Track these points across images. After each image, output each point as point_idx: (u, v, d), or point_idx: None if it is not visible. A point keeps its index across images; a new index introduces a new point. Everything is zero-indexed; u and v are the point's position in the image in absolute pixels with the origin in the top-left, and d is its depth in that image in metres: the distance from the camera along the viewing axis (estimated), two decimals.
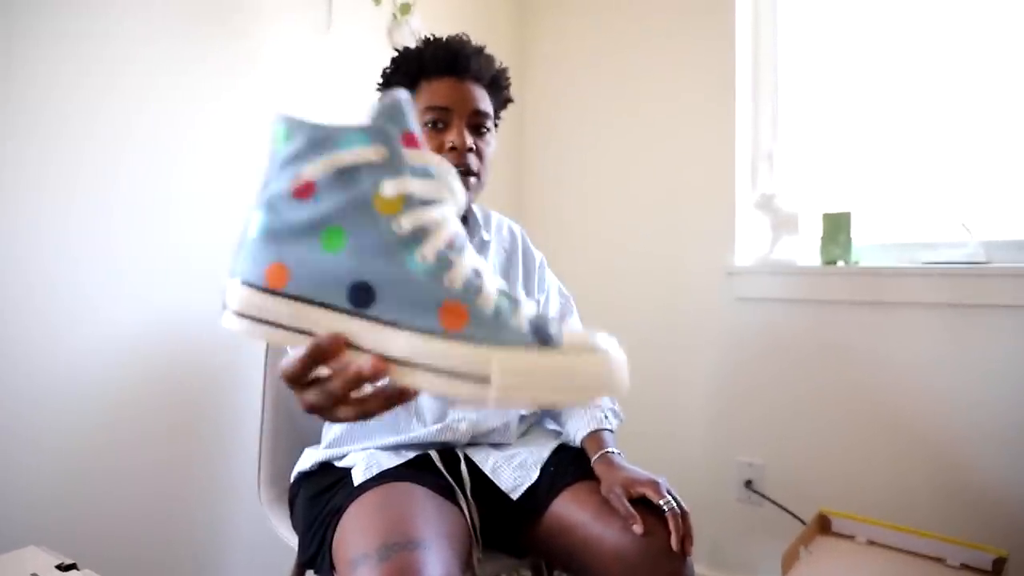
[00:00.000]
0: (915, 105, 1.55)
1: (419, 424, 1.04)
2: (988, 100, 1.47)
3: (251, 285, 0.46)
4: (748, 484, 1.66)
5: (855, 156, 1.63)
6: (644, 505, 0.91)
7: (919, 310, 1.45)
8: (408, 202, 0.45)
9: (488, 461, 1.03)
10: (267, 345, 1.22)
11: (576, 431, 1.08)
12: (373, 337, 0.44)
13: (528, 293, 1.20)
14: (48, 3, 1.12)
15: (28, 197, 1.12)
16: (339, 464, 1.01)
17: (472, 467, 1.02)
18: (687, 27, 1.76)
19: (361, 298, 0.44)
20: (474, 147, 1.02)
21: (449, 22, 1.79)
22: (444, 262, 0.45)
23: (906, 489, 1.46)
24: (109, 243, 1.21)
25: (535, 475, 1.01)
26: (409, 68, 1.04)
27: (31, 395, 1.12)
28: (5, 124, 1.09)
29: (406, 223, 0.44)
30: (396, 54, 1.07)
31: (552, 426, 1.18)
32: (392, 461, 0.96)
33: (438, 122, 1.02)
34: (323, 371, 0.47)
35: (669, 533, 0.87)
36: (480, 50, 1.06)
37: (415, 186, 0.45)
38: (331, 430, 1.07)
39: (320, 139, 0.45)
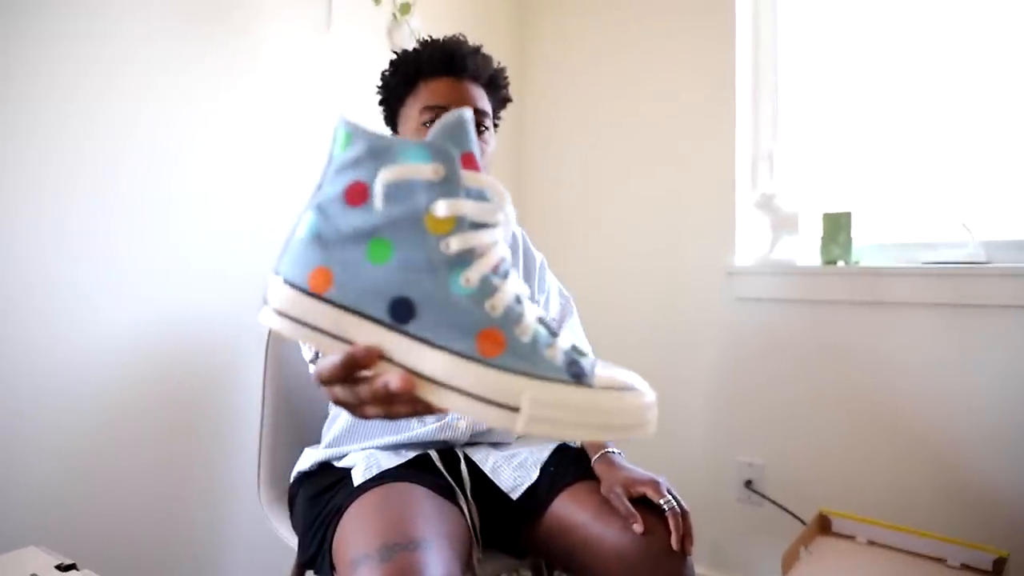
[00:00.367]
0: (915, 105, 1.55)
1: (418, 422, 1.04)
2: (988, 100, 1.47)
3: (294, 286, 0.46)
4: (748, 484, 1.66)
5: (855, 156, 1.63)
6: (644, 504, 0.91)
7: (919, 310, 1.45)
8: (459, 224, 0.45)
9: (488, 461, 1.03)
10: (267, 345, 1.22)
11: None
12: (407, 353, 0.44)
13: (529, 294, 1.20)
14: (48, 3, 1.12)
15: (28, 197, 1.12)
16: (339, 464, 1.01)
17: (472, 467, 1.02)
18: (687, 27, 1.76)
19: (401, 313, 0.44)
20: None
21: (449, 22, 1.79)
22: (488, 287, 0.45)
23: (906, 489, 1.46)
24: (109, 243, 1.21)
25: (535, 475, 1.01)
26: (407, 69, 1.04)
27: (31, 395, 1.12)
28: (5, 124, 1.09)
29: (455, 244, 0.45)
30: (395, 56, 1.08)
31: None
32: (392, 461, 0.96)
33: (435, 121, 1.02)
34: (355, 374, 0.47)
35: (669, 532, 0.88)
36: (477, 50, 1.06)
37: (468, 208, 0.45)
38: (331, 430, 1.07)
39: (380, 149, 0.45)
